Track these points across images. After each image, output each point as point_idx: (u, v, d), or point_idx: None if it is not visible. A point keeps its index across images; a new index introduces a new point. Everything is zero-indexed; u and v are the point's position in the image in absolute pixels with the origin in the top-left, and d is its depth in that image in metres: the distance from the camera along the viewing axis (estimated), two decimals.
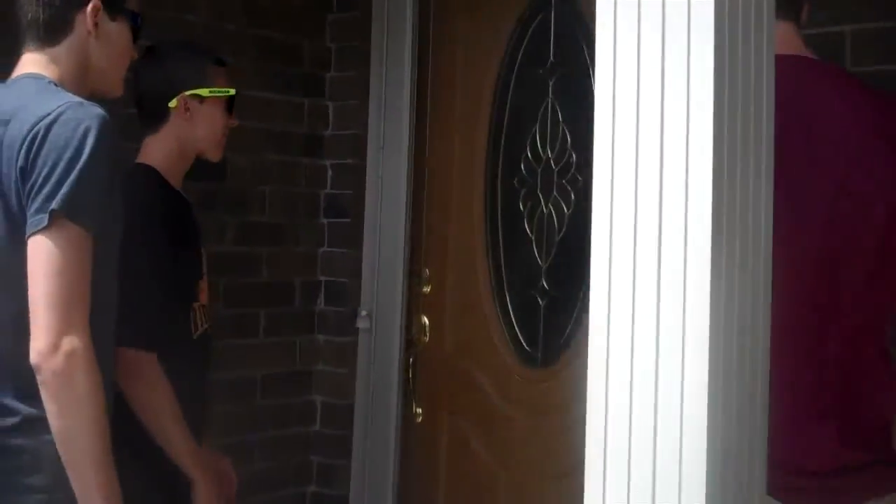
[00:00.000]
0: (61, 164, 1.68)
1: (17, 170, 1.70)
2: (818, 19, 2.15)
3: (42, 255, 1.66)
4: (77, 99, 1.75)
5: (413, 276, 3.36)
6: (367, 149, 3.47)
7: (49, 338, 1.64)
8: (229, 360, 3.15)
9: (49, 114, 1.71)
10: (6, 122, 1.75)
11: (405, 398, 3.31)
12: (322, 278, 3.53)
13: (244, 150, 3.25)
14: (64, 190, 1.67)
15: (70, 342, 1.64)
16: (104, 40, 1.90)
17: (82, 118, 1.71)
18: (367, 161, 3.47)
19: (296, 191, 3.46)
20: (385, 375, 3.41)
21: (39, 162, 1.68)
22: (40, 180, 1.68)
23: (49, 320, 1.64)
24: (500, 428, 3.09)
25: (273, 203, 3.38)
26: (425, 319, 3.32)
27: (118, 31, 1.93)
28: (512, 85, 3.18)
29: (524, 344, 3.10)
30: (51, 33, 1.85)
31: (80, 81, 1.88)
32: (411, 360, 3.32)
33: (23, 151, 1.69)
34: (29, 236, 1.67)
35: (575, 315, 2.96)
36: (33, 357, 1.64)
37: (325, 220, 3.53)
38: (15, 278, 1.70)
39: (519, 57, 3.17)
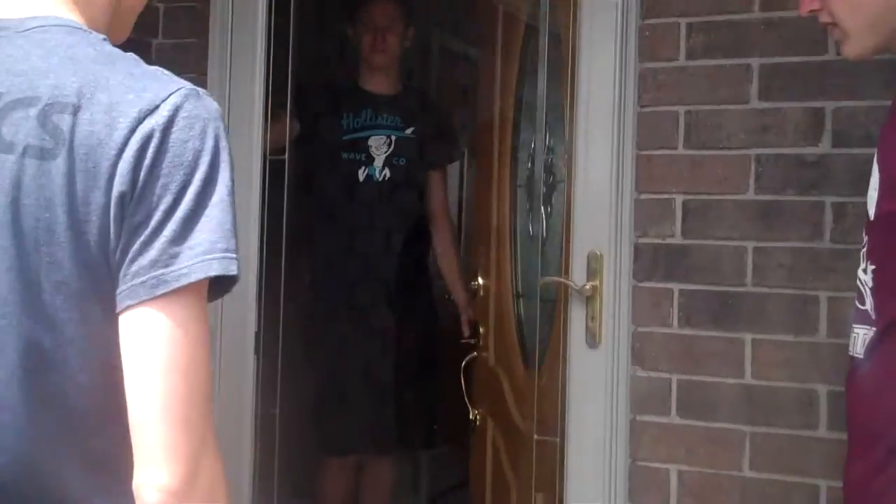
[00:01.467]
0: (193, 189, 1.05)
1: (114, 195, 1.04)
2: None
3: (166, 335, 1.03)
4: (187, 83, 1.11)
5: (470, 282, 3.27)
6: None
7: (185, 466, 1.01)
8: None
9: (157, 107, 1.06)
10: (74, 109, 1.06)
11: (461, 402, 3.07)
12: None
13: None
14: (207, 231, 1.05)
15: (211, 468, 1.03)
16: None
17: (207, 117, 1.08)
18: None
19: None
20: (234, 404, 2.84)
21: (158, 185, 1.04)
22: (159, 214, 1.04)
23: (180, 439, 1.01)
24: (513, 435, 2.90)
25: None
26: (480, 327, 3.12)
27: None
28: (525, 81, 2.92)
29: (525, 344, 2.93)
30: None
31: (105, 29, 1.21)
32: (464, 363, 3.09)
33: (124, 165, 1.04)
34: (134, 305, 1.04)
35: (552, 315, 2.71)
36: (157, 497, 1.01)
37: None
38: (77, 365, 1.08)
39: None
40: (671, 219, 2.37)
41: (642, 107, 2.40)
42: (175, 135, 1.05)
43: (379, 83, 3.51)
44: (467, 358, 3.08)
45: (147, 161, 1.04)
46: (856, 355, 1.46)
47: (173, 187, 1.04)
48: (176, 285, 1.03)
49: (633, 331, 2.40)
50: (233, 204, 1.08)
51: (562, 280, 2.52)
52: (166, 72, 1.12)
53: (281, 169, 2.89)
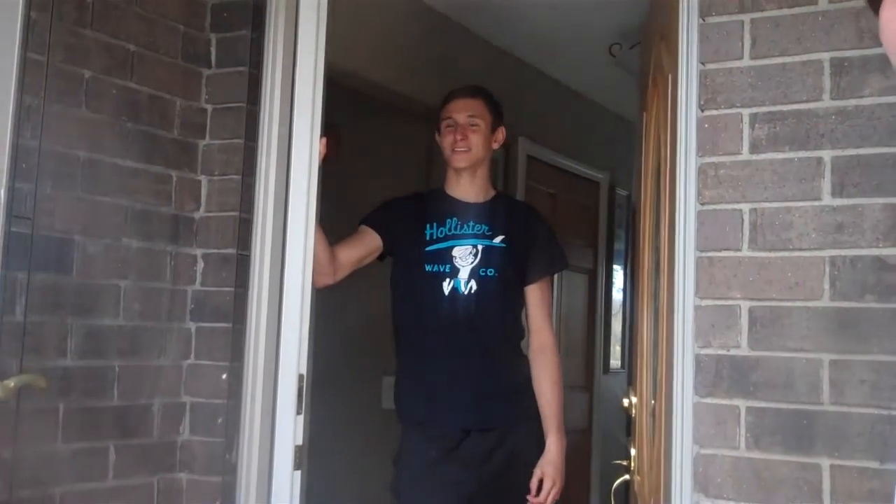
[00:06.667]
0: None
1: None
2: None
3: None
4: None
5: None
6: (253, 236, 2.76)
7: None
8: None
9: None
10: None
11: None
12: (187, 399, 2.76)
13: (94, 233, 2.50)
14: None
15: None
16: None
17: None
18: (252, 251, 2.76)
19: (158, 286, 2.70)
20: None
21: None
22: None
23: None
24: None
25: (128, 302, 2.61)
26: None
27: None
28: None
29: None
30: None
31: None
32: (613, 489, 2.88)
33: None
34: None
35: None
36: None
37: (192, 325, 2.78)
38: None
39: None
40: (736, 327, 2.13)
41: (703, 204, 2.19)
42: None
43: (465, 189, 3.18)
44: (617, 483, 2.82)
45: None
46: None
47: None
48: None
49: (695, 453, 2.15)
50: None
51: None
52: None
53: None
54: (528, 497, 2.98)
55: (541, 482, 3.00)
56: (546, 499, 2.99)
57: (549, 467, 3.01)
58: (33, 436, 2.34)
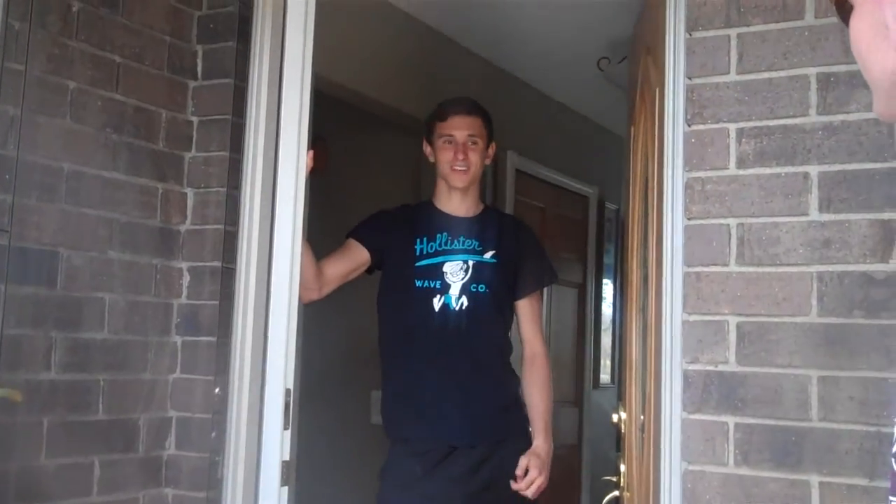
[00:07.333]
0: None
1: None
2: None
3: None
4: None
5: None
6: (239, 249, 2.75)
7: None
8: None
9: None
10: None
11: None
12: (173, 414, 2.74)
13: (80, 246, 2.48)
14: None
15: None
16: None
17: None
18: (238, 264, 2.74)
19: (143, 300, 2.68)
20: None
21: None
22: None
23: None
24: None
25: (114, 315, 2.59)
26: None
27: None
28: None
29: None
30: None
31: None
32: None
33: None
34: None
35: None
36: None
37: (178, 338, 2.76)
38: None
39: None
40: (724, 343, 2.12)
41: (689, 219, 2.18)
42: None
43: (456, 204, 3.17)
44: (606, 499, 2.80)
45: None
46: None
47: None
48: None
49: (684, 469, 2.13)
50: None
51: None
52: None
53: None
54: (512, 483, 2.95)
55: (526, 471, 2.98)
56: (529, 486, 2.95)
57: (535, 459, 2.98)
58: (15, 450, 2.32)
